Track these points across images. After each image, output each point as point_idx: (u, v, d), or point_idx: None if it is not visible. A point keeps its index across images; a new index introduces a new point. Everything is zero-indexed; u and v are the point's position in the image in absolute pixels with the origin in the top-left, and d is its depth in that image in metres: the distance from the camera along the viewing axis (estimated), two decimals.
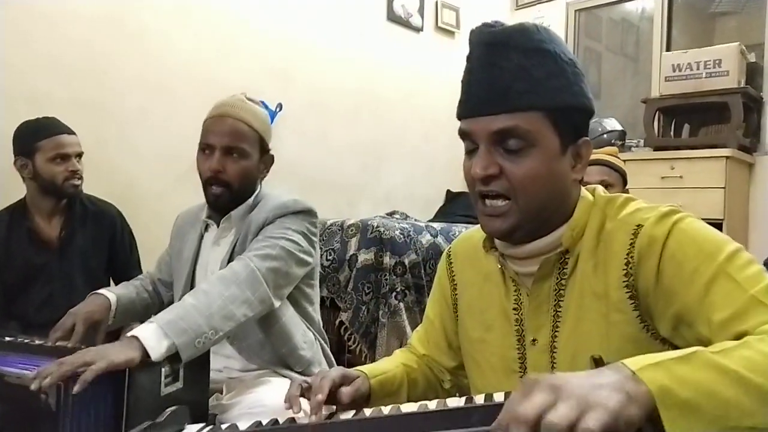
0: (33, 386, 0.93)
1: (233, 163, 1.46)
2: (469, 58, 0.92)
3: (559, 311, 0.92)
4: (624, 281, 0.86)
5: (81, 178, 1.95)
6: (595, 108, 0.94)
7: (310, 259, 1.51)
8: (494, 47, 0.88)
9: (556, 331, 0.92)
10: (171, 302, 1.62)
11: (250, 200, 1.54)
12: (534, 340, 0.95)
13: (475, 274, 1.06)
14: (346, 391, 0.91)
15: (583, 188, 0.96)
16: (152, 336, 1.09)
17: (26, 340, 1.26)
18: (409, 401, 1.04)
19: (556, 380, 0.56)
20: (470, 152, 0.91)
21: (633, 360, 0.61)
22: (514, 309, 0.97)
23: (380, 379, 1.00)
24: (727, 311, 0.75)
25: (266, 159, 1.55)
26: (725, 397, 0.60)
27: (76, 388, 0.92)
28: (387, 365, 1.07)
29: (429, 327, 1.16)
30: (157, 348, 1.08)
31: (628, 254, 0.86)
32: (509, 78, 0.86)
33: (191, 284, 1.56)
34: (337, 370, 0.95)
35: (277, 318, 1.46)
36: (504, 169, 0.87)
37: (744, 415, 0.60)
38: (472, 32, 0.92)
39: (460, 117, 0.92)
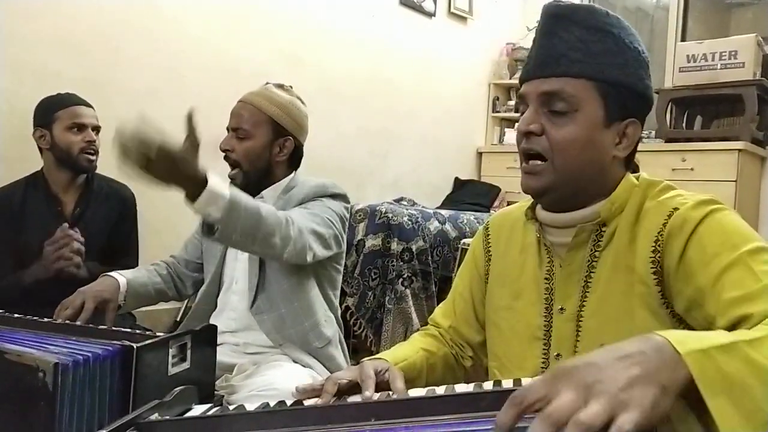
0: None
1: (237, 143, 1.54)
2: (536, 29, 0.98)
3: (590, 282, 0.95)
4: (651, 257, 0.89)
5: (96, 152, 1.97)
6: (653, 99, 0.98)
7: (341, 241, 1.57)
8: (557, 18, 0.94)
9: (584, 301, 0.95)
10: (196, 283, 1.67)
11: (284, 182, 1.60)
12: (561, 309, 0.97)
13: (511, 246, 1.09)
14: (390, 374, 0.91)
15: (633, 174, 0.99)
16: (218, 183, 1.17)
17: (35, 317, 1.26)
18: (427, 386, 1.03)
19: (587, 375, 0.54)
20: (523, 114, 0.96)
21: (678, 338, 0.59)
22: (546, 278, 1.00)
23: (402, 366, 1.01)
24: (737, 292, 0.77)
25: (283, 142, 1.58)
26: (761, 393, 0.60)
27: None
28: (407, 351, 1.08)
29: (457, 299, 1.18)
30: (204, 209, 1.17)
31: (659, 232, 0.89)
32: (566, 47, 0.92)
33: (222, 265, 1.59)
34: (370, 362, 0.94)
35: (305, 292, 1.51)
36: (546, 129, 0.92)
37: None
38: (543, 6, 0.99)
39: (520, 82, 0.99)
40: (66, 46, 2.35)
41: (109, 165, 2.09)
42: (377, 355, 1.03)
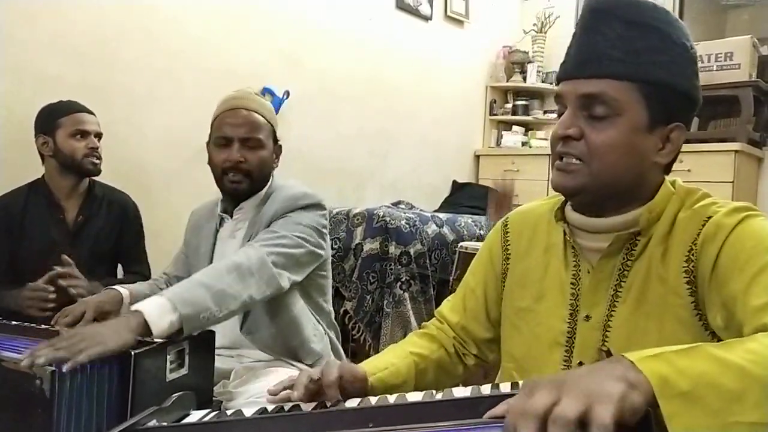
0: (24, 363, 0.88)
1: (252, 153, 1.49)
2: (576, 24, 0.94)
3: (620, 291, 0.92)
4: (684, 267, 0.86)
5: (100, 158, 1.98)
6: (700, 99, 0.93)
7: (321, 252, 1.52)
8: (599, 13, 0.89)
9: (612, 310, 0.92)
10: None
11: (263, 191, 1.57)
12: (587, 317, 0.94)
13: (533, 246, 1.06)
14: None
15: (666, 177, 0.96)
16: (156, 310, 1.07)
17: (32, 325, 1.26)
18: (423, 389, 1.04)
19: (556, 378, 0.56)
20: (560, 115, 0.92)
21: (634, 353, 0.61)
22: (572, 283, 0.97)
23: (380, 377, 0.98)
24: (765, 298, 0.74)
25: (277, 149, 1.59)
26: (727, 389, 0.59)
27: (66, 367, 0.89)
28: (391, 358, 1.05)
29: (468, 294, 1.15)
30: (159, 324, 1.05)
31: (693, 241, 0.86)
32: (607, 44, 0.87)
33: None
34: (344, 368, 0.90)
35: (288, 310, 1.46)
36: (585, 133, 0.88)
37: (747, 408, 0.59)
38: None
39: (557, 80, 0.94)
40: (65, 49, 2.35)
41: (102, 167, 2.12)
42: (360, 364, 0.99)
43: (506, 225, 1.13)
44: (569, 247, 0.99)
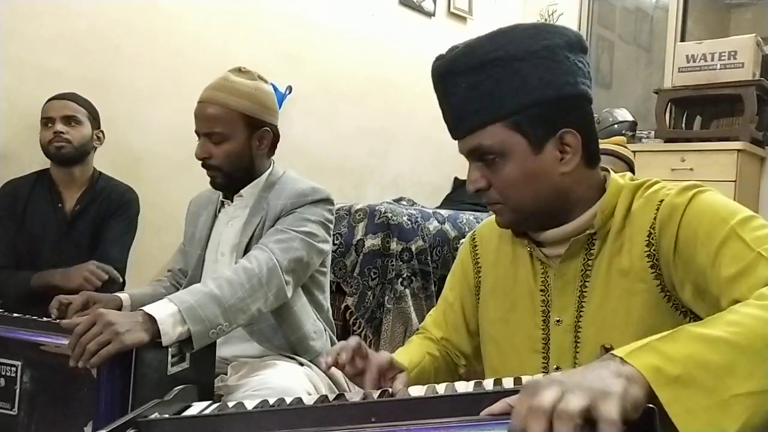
0: (79, 365, 0.99)
1: (216, 147, 1.45)
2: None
3: (585, 291, 0.93)
4: (646, 251, 0.88)
5: (68, 141, 1.95)
6: (581, 89, 0.90)
7: (327, 247, 1.52)
8: (442, 77, 0.94)
9: (581, 311, 0.93)
10: None
11: (263, 178, 1.54)
12: (558, 320, 0.96)
13: (502, 256, 1.07)
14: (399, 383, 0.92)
15: (612, 173, 0.97)
16: (169, 320, 1.09)
17: (34, 317, 1.26)
18: None
19: (557, 377, 0.57)
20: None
21: (619, 349, 0.61)
22: (541, 290, 0.99)
23: (416, 373, 1.01)
24: (734, 268, 0.76)
25: (261, 134, 1.49)
26: (717, 365, 0.60)
27: (94, 361, 0.99)
28: (417, 356, 1.07)
29: (447, 309, 1.16)
30: (170, 334, 1.08)
31: (651, 226, 0.88)
32: (462, 102, 0.91)
33: (202, 263, 1.56)
34: (388, 357, 0.96)
35: (289, 307, 1.46)
36: (490, 181, 0.93)
37: (740, 379, 0.59)
38: (431, 66, 0.97)
39: None
40: (66, 44, 2.34)
41: (103, 160, 2.12)
42: (395, 356, 1.01)
43: (474, 238, 1.16)
44: (534, 256, 1.00)
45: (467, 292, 1.14)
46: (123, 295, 1.50)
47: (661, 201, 0.88)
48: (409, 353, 1.07)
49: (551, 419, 0.52)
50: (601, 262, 0.92)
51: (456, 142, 0.98)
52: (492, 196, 0.94)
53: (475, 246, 1.14)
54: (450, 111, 0.95)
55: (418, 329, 1.23)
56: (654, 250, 0.87)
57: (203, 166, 1.48)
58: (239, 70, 1.50)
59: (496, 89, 0.88)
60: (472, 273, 1.13)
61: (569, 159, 0.90)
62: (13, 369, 1.06)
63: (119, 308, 1.44)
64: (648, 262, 0.88)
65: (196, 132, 1.48)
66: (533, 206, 0.92)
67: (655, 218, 0.88)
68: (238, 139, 1.46)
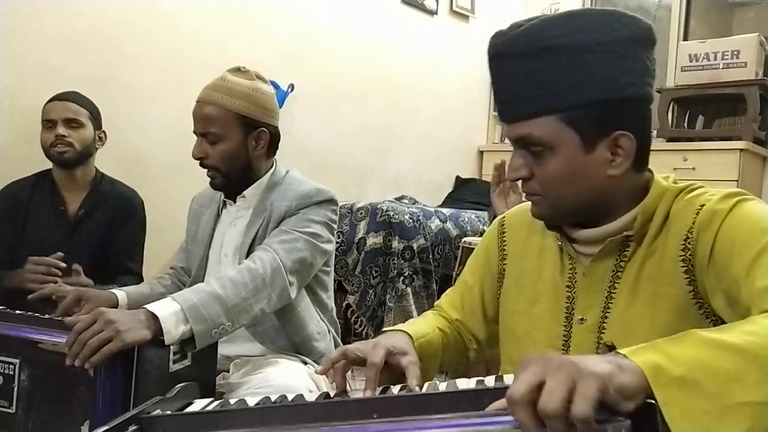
0: (75, 363, 0.98)
1: (211, 148, 1.44)
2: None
3: (613, 292, 0.91)
4: (681, 255, 0.85)
5: (70, 144, 1.92)
6: (644, 92, 0.87)
7: (330, 248, 1.51)
8: (498, 59, 0.90)
9: (606, 312, 0.92)
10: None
11: (265, 179, 1.53)
12: (582, 319, 0.94)
13: (530, 247, 1.05)
14: (407, 362, 0.88)
15: (656, 174, 0.94)
16: (171, 318, 1.09)
17: (36, 314, 1.26)
18: (441, 367, 1.06)
19: (546, 356, 0.56)
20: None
21: (625, 348, 0.60)
22: (567, 287, 0.97)
23: (421, 342, 0.98)
24: None
25: (257, 135, 1.48)
26: (725, 371, 0.58)
27: (94, 359, 0.98)
28: (425, 328, 1.04)
29: (466, 292, 1.14)
30: (173, 332, 1.08)
31: (688, 230, 0.85)
32: (516, 86, 0.87)
33: (205, 263, 1.55)
34: (387, 340, 0.91)
35: (293, 308, 1.45)
36: (533, 171, 0.89)
37: (748, 388, 0.58)
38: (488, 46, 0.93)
39: None
40: (67, 43, 2.35)
41: (104, 160, 2.12)
42: (399, 327, 1.00)
43: (503, 224, 1.13)
44: (564, 251, 0.98)
45: (489, 278, 1.11)
46: (119, 293, 1.48)
47: (702, 206, 0.85)
48: (417, 324, 1.05)
49: (535, 408, 0.53)
50: (633, 264, 0.90)
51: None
52: (532, 186, 0.91)
53: (503, 233, 1.11)
54: (502, 94, 0.90)
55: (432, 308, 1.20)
56: (690, 255, 0.85)
57: (201, 166, 1.48)
58: (238, 70, 1.49)
59: (557, 79, 0.83)
60: (497, 260, 1.10)
61: (620, 162, 0.87)
62: (12, 366, 1.06)
63: (115, 306, 1.43)
64: (682, 267, 0.85)
65: (195, 133, 1.48)
66: (573, 204, 0.89)
67: (693, 223, 0.85)
68: (233, 140, 1.45)
